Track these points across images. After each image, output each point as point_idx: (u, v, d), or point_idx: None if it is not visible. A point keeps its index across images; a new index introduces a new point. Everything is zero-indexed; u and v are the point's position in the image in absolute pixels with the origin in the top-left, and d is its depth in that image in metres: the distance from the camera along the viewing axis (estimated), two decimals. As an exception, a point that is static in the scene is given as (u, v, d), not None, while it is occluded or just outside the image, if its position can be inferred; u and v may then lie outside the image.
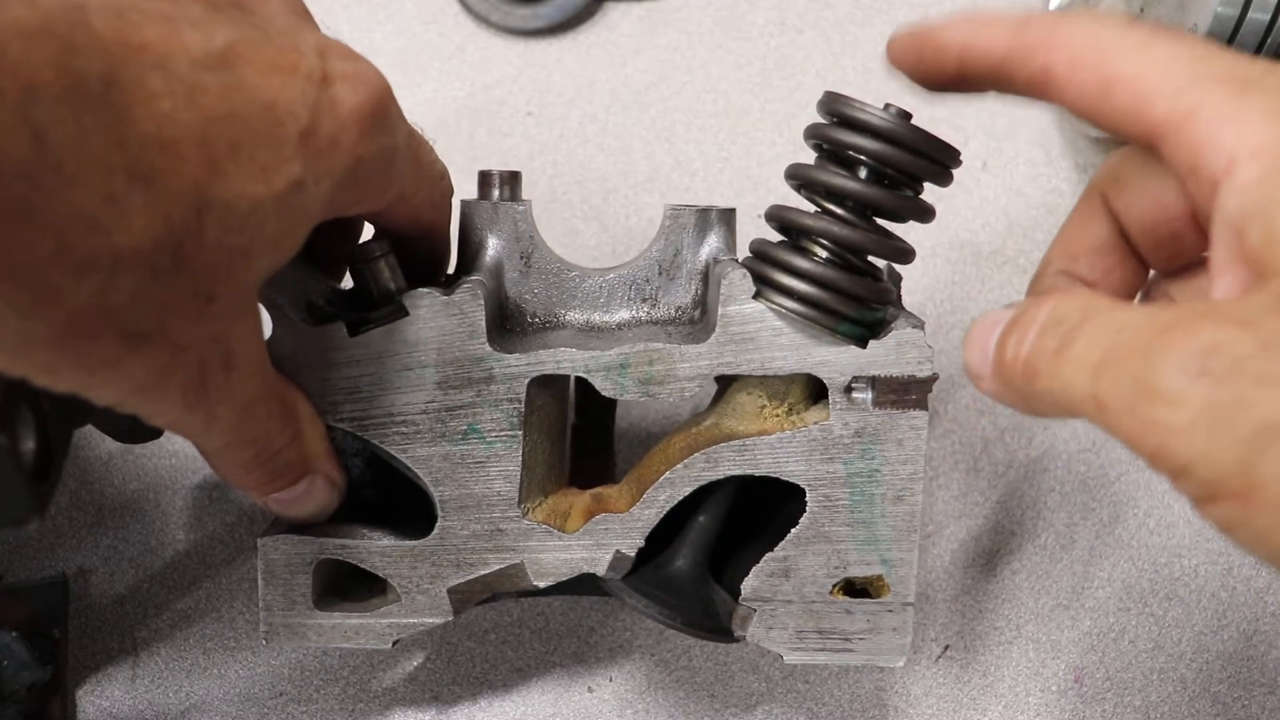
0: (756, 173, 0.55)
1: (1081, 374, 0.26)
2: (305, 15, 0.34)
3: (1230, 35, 0.43)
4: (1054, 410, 0.28)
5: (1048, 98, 0.30)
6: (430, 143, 0.39)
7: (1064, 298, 0.28)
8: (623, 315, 0.42)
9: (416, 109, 0.41)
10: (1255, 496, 0.23)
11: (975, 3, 0.56)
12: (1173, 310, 0.25)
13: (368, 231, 0.42)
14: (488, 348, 0.39)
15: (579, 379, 0.40)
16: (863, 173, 0.36)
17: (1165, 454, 0.24)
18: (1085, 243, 0.34)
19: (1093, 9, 0.52)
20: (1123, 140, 0.29)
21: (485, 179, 0.43)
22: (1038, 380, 0.27)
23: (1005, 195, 0.55)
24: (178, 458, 0.53)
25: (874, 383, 0.39)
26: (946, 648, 0.54)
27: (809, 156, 0.39)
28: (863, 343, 0.38)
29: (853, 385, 0.39)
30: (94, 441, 0.52)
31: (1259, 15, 0.43)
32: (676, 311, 0.42)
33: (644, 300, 0.42)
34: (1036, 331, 0.28)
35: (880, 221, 0.38)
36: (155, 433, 0.39)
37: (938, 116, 0.55)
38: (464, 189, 0.43)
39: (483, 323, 0.39)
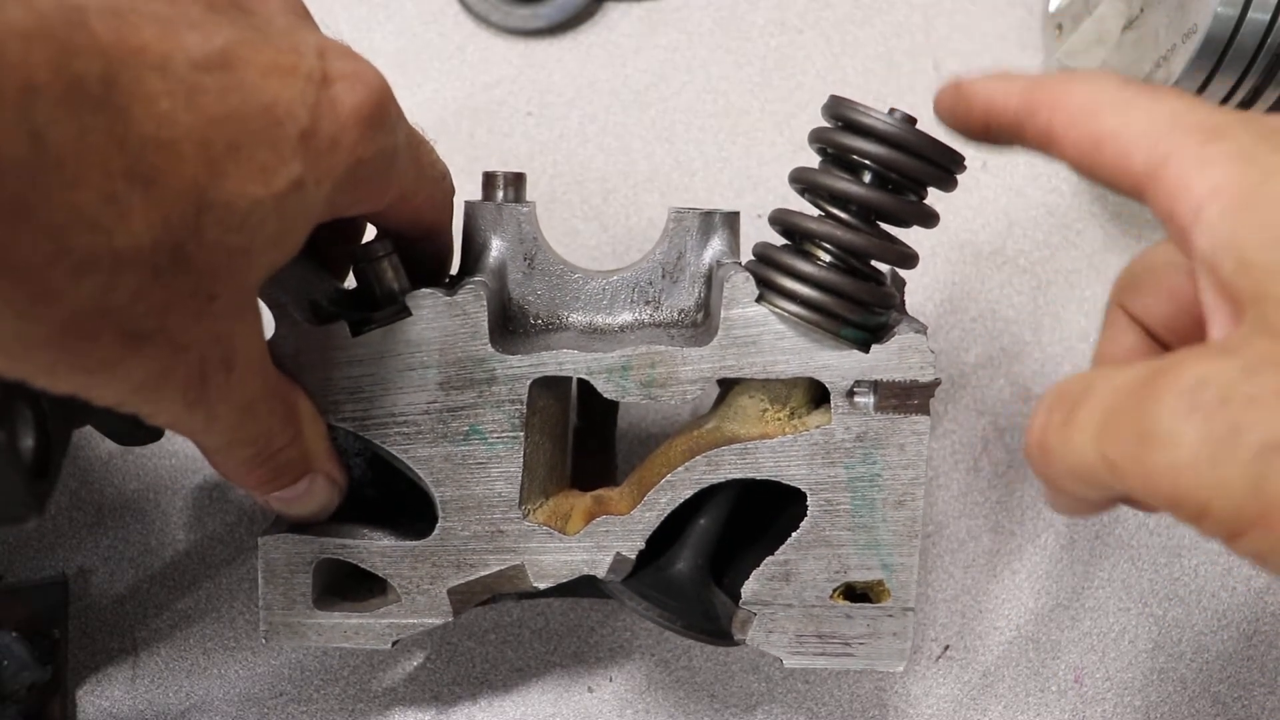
0: (757, 173, 0.55)
1: (1088, 439, 0.26)
2: (305, 15, 0.34)
3: (1230, 35, 0.43)
4: (1079, 486, 0.28)
5: (1052, 154, 0.31)
6: (431, 143, 0.39)
7: (1068, 378, 0.29)
8: (625, 317, 0.42)
9: (416, 109, 0.41)
10: (1274, 518, 0.23)
11: (972, 5, 0.56)
12: (1164, 358, 0.25)
13: (371, 232, 0.42)
14: (490, 349, 0.39)
15: (581, 381, 0.40)
16: (867, 177, 0.36)
17: (1179, 498, 0.24)
18: (1117, 357, 0.35)
19: (1092, 10, 0.52)
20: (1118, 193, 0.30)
21: (489, 180, 0.43)
22: (1053, 458, 0.28)
23: (1005, 195, 0.55)
24: (178, 458, 0.52)
25: (876, 387, 0.39)
26: (946, 648, 0.54)
27: (809, 157, 0.39)
28: (865, 347, 0.38)
29: (855, 390, 0.39)
30: (94, 441, 0.52)
31: (1259, 15, 0.43)
32: (679, 314, 0.42)
33: (647, 303, 0.42)
34: (1045, 411, 0.29)
35: (884, 226, 0.38)
36: (154, 435, 0.39)
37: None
38: (464, 189, 0.43)
39: (485, 324, 0.39)
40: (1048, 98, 0.31)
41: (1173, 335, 0.34)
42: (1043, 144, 0.31)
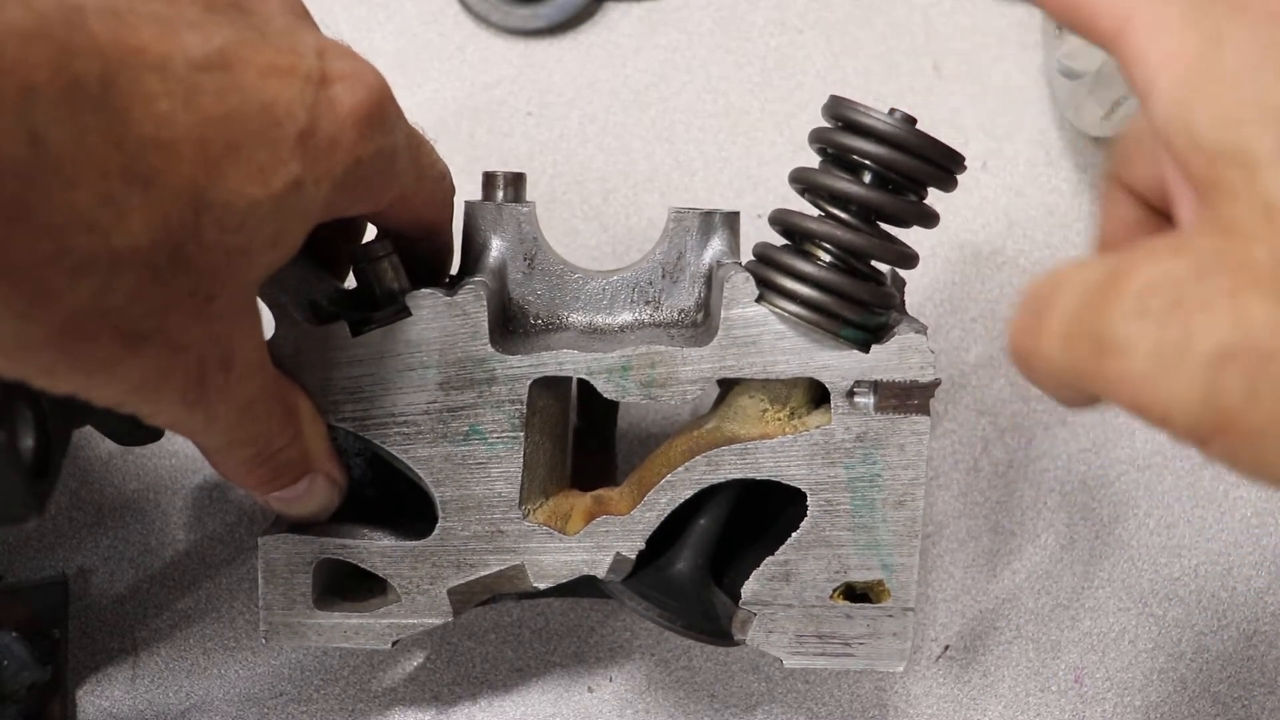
0: (756, 173, 0.55)
1: (1056, 345, 0.25)
2: (304, 15, 0.34)
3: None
4: (1063, 391, 0.27)
5: (1038, 4, 0.30)
6: (431, 142, 0.39)
7: (1043, 274, 0.27)
8: (625, 317, 0.42)
9: (416, 109, 0.41)
10: (1232, 430, 0.22)
11: (972, 5, 0.56)
12: (1123, 255, 0.24)
13: (371, 231, 0.42)
14: (490, 349, 0.39)
15: (581, 381, 0.40)
16: (867, 177, 0.36)
17: (1142, 407, 0.23)
18: (1117, 229, 0.34)
19: None
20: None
21: (489, 180, 0.43)
22: (1028, 362, 0.27)
23: (1005, 195, 0.55)
24: (178, 458, 0.52)
25: (876, 387, 0.39)
26: (946, 648, 0.54)
27: (809, 157, 0.39)
28: (865, 347, 0.38)
29: (855, 390, 0.39)
30: (94, 441, 0.52)
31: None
32: (679, 314, 0.42)
33: (647, 303, 0.42)
34: (1019, 314, 0.27)
35: (884, 226, 0.38)
36: (154, 435, 0.39)
37: (939, 117, 0.55)
38: (464, 189, 0.43)
39: (485, 324, 0.39)
40: None
41: (1167, 201, 0.32)
42: None
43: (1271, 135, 0.22)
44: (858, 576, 0.40)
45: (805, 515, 0.40)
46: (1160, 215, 0.33)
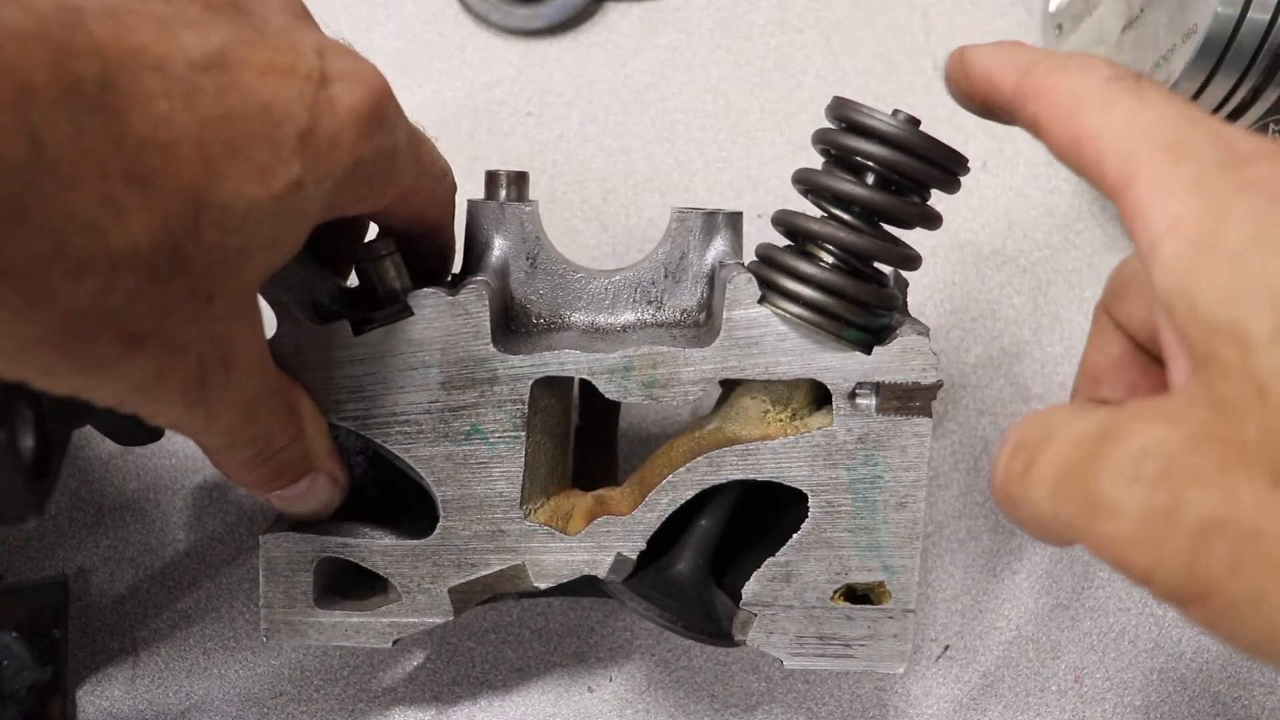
0: (756, 173, 0.55)
1: (1044, 495, 0.26)
2: (304, 15, 0.34)
3: (1230, 35, 0.43)
4: (1045, 534, 0.28)
5: (1043, 142, 0.30)
6: (431, 140, 0.39)
7: (1030, 418, 0.28)
8: (628, 317, 0.42)
9: (416, 109, 0.41)
10: (1212, 600, 0.23)
11: (972, 5, 0.56)
12: (1116, 415, 0.25)
13: (373, 230, 0.42)
14: (492, 348, 0.39)
15: (583, 380, 0.40)
16: (870, 178, 0.36)
17: (1126, 566, 0.24)
18: (1102, 364, 0.34)
19: (1093, 10, 0.52)
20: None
21: (492, 179, 0.43)
22: (1015, 508, 0.28)
23: (1005, 195, 0.55)
24: (178, 458, 0.52)
25: (878, 389, 0.39)
26: (946, 648, 0.54)
27: (809, 156, 0.39)
28: (867, 349, 0.38)
29: (857, 391, 0.39)
30: (94, 441, 0.52)
31: (1259, 15, 0.43)
32: (681, 314, 0.42)
33: (649, 303, 0.42)
34: (1006, 456, 0.28)
35: (887, 227, 0.38)
36: (154, 435, 0.39)
37: (939, 117, 0.55)
38: (464, 189, 0.43)
39: (487, 323, 0.38)
40: (1036, 86, 0.30)
41: (1156, 346, 0.33)
42: (1033, 132, 0.30)
43: (1269, 317, 0.22)
44: (859, 578, 0.40)
45: (806, 516, 0.40)
46: (1147, 355, 0.34)
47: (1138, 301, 0.33)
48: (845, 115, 0.36)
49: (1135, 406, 0.25)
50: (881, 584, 0.40)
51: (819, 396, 0.40)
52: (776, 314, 0.38)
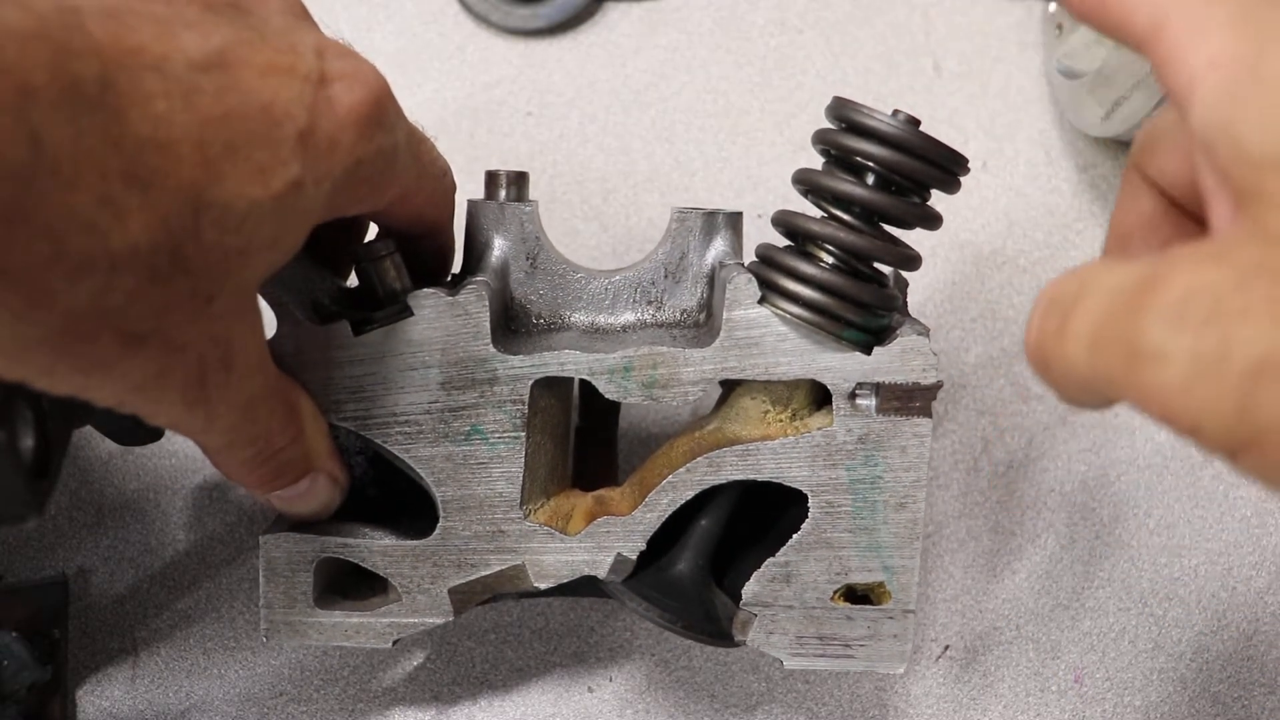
0: (756, 173, 0.55)
1: (1081, 351, 0.25)
2: (304, 15, 0.34)
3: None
4: (1082, 395, 0.26)
5: (1063, 3, 0.29)
6: (431, 140, 0.39)
7: (1064, 275, 0.27)
8: (628, 318, 0.42)
9: (416, 109, 0.41)
10: (1265, 445, 0.21)
11: (972, 5, 0.56)
12: (1156, 260, 0.24)
13: (373, 231, 0.42)
14: (492, 349, 0.39)
15: (583, 381, 0.40)
16: (870, 179, 0.36)
17: (1173, 417, 0.22)
18: (1134, 221, 0.33)
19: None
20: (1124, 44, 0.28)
21: (492, 179, 0.42)
22: (1051, 367, 0.26)
23: (1005, 195, 0.55)
24: (178, 458, 0.52)
25: (878, 389, 0.39)
26: (946, 648, 0.54)
27: (809, 156, 0.39)
28: (867, 349, 0.38)
29: (857, 391, 0.39)
30: (94, 441, 0.52)
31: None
32: (681, 315, 0.42)
33: (649, 303, 0.42)
34: (1040, 316, 0.27)
35: (887, 228, 0.38)
36: (154, 435, 0.39)
37: (939, 118, 0.55)
38: (464, 189, 0.43)
39: (487, 324, 0.38)
40: None
41: (1190, 199, 0.32)
42: None
43: None
44: (858, 578, 0.40)
45: (806, 517, 0.40)
46: (1181, 212, 0.32)
47: (1170, 155, 0.32)
48: (845, 115, 0.36)
49: (1179, 250, 0.24)
50: (881, 584, 0.40)
51: (819, 397, 0.40)
52: (776, 314, 0.38)
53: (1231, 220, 0.24)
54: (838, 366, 0.38)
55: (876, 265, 0.38)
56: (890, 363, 0.38)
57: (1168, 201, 0.32)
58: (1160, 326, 0.22)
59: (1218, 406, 0.22)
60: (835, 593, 0.41)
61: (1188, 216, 0.32)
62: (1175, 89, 0.25)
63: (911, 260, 0.38)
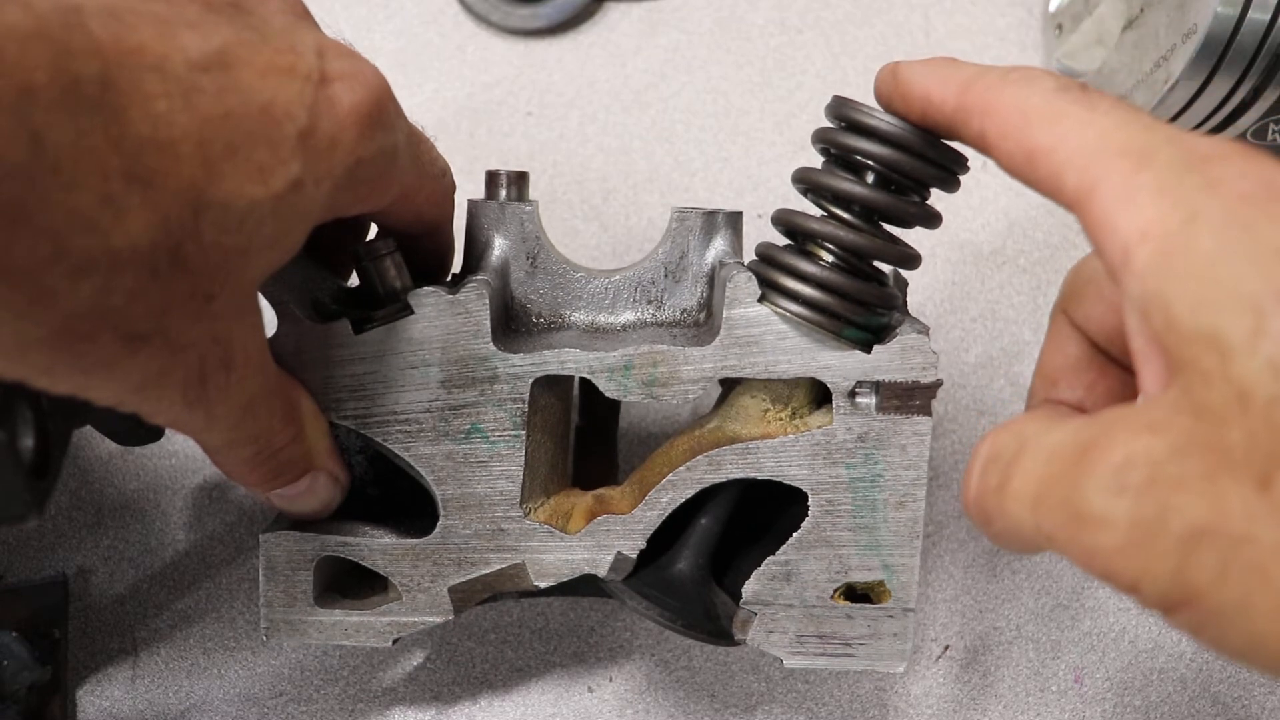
0: (756, 173, 0.55)
1: (1024, 510, 0.26)
2: (304, 15, 0.34)
3: (1230, 35, 0.43)
4: (1022, 548, 0.28)
5: (991, 158, 0.30)
6: (431, 140, 0.39)
7: (999, 431, 0.28)
8: (628, 317, 0.42)
9: (416, 109, 0.41)
10: (1198, 604, 0.23)
11: (972, 5, 0.56)
12: (1093, 424, 0.25)
13: (373, 230, 0.42)
14: (492, 347, 0.39)
15: (583, 380, 0.40)
16: (870, 177, 0.36)
17: (1113, 576, 0.24)
18: (1060, 364, 0.34)
19: (1093, 10, 0.52)
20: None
21: (493, 179, 0.43)
22: (991, 522, 0.28)
23: (1005, 195, 0.55)
24: (178, 458, 0.52)
25: (878, 388, 0.39)
26: (946, 648, 0.54)
27: (809, 156, 0.39)
28: (867, 348, 0.38)
29: (857, 390, 0.39)
30: (94, 441, 0.52)
31: (1259, 15, 0.43)
32: (682, 314, 0.42)
33: (649, 302, 0.42)
34: (979, 472, 0.28)
35: (887, 226, 0.38)
36: (154, 435, 0.39)
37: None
38: (464, 189, 0.43)
39: (487, 322, 0.39)
40: (979, 102, 0.29)
41: (1115, 347, 0.33)
42: (980, 149, 0.30)
43: (1246, 322, 0.22)
44: (858, 577, 0.40)
45: (806, 515, 0.40)
46: (1104, 356, 0.34)
47: (1096, 303, 0.33)
48: (845, 114, 0.36)
49: (1113, 415, 0.25)
50: (881, 583, 0.40)
51: (819, 395, 0.40)
52: (776, 313, 0.38)
53: (1162, 385, 0.25)
54: (838, 365, 0.38)
55: (876, 264, 0.38)
56: (890, 361, 0.38)
57: (1092, 346, 0.34)
58: (1101, 492, 0.24)
59: (1156, 568, 0.23)
60: (835, 591, 0.41)
61: (1111, 361, 0.34)
62: (1108, 254, 0.25)
63: (911, 259, 0.38)
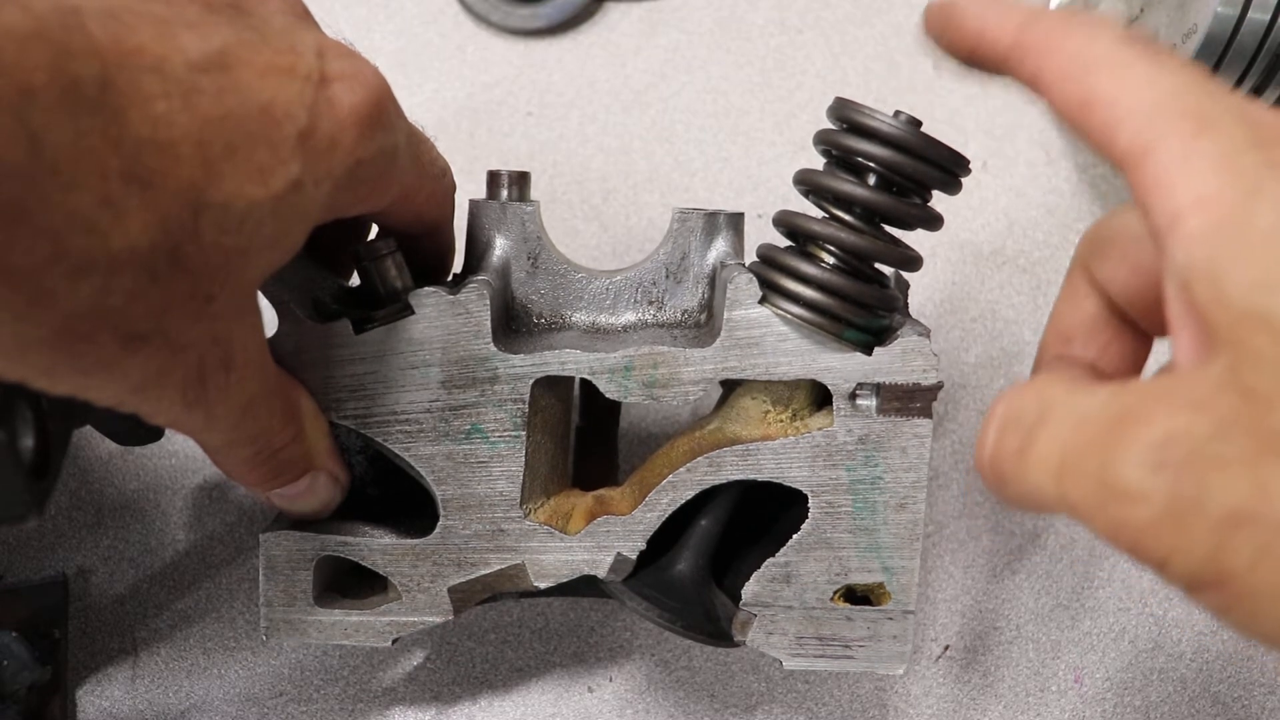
0: (756, 173, 0.55)
1: (1047, 476, 0.25)
2: (304, 15, 0.34)
3: (1230, 35, 0.43)
4: (1037, 510, 0.27)
5: (1040, 98, 0.29)
6: (431, 140, 0.39)
7: (1019, 391, 0.27)
8: (628, 317, 0.42)
9: (416, 109, 0.41)
10: (1230, 586, 0.22)
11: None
12: (1128, 394, 0.24)
13: (374, 230, 0.42)
14: (493, 348, 0.39)
15: (583, 380, 0.40)
16: (871, 179, 0.36)
17: (1141, 550, 0.23)
18: (1076, 322, 0.34)
19: (1093, 10, 0.52)
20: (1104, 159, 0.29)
21: (494, 179, 0.43)
22: (1007, 484, 0.27)
23: (1005, 195, 0.55)
24: (178, 458, 0.52)
25: (879, 390, 0.39)
26: (946, 648, 0.54)
27: (809, 157, 0.39)
28: (868, 349, 0.38)
29: (857, 392, 0.39)
30: (94, 441, 0.52)
31: (1259, 15, 0.43)
32: (682, 315, 0.42)
33: (650, 303, 0.42)
34: (996, 431, 0.27)
35: (888, 228, 0.38)
36: (154, 435, 0.39)
37: (938, 117, 0.55)
38: (464, 189, 0.43)
39: (488, 322, 0.39)
40: (1040, 41, 0.28)
41: (1135, 309, 0.32)
42: (1031, 87, 0.29)
43: None
44: (858, 579, 0.40)
45: (806, 517, 0.40)
46: (1123, 320, 0.33)
47: (1120, 263, 0.32)
48: (846, 116, 0.36)
49: (1151, 387, 0.24)
50: (881, 585, 0.40)
51: (819, 397, 0.40)
52: (777, 314, 0.38)
53: (1196, 357, 0.24)
54: (838, 367, 0.38)
55: (877, 266, 0.38)
56: (891, 363, 0.38)
57: (1111, 307, 0.33)
58: (1138, 466, 0.23)
59: (1189, 547, 0.23)
60: (835, 593, 0.41)
61: (1129, 324, 0.33)
62: (1155, 215, 0.25)
63: (912, 261, 0.38)
